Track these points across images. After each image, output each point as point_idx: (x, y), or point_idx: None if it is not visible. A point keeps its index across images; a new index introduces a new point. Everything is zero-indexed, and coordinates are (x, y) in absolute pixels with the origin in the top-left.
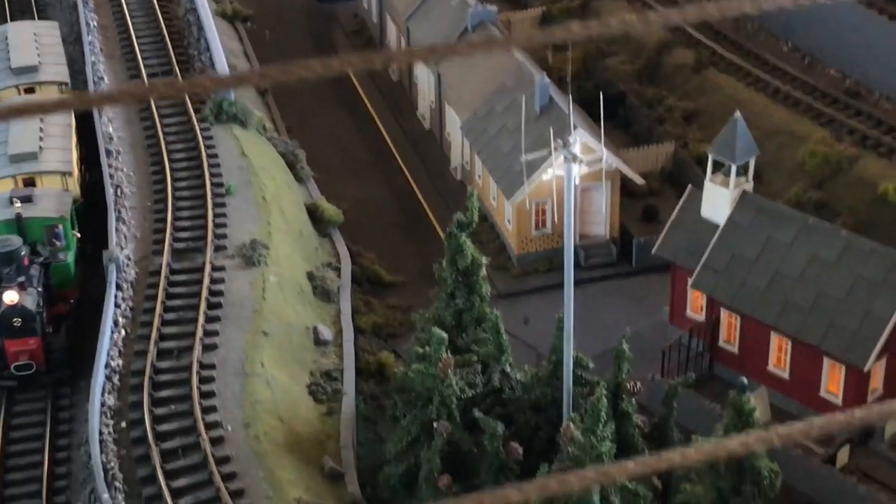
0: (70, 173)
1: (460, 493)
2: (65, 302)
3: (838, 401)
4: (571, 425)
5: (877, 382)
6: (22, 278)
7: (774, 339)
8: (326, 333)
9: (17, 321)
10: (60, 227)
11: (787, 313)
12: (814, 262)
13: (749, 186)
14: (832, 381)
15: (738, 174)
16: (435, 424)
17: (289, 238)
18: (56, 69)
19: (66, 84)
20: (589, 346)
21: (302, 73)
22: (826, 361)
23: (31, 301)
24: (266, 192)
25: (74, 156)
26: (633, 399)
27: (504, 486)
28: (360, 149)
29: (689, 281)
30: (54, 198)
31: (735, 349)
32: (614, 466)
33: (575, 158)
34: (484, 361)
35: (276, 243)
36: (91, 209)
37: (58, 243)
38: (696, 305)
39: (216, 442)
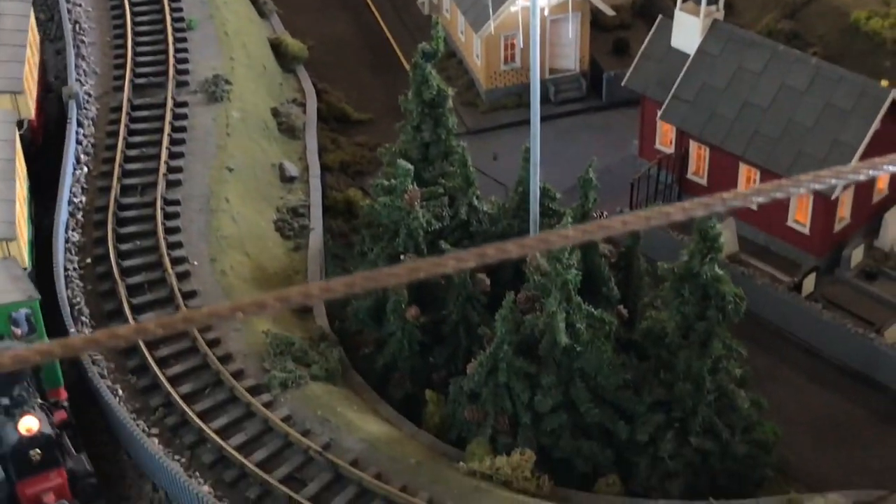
0: (12, 239)
1: (428, 325)
2: (57, 406)
3: (805, 230)
4: (537, 254)
5: (844, 211)
6: (22, 393)
7: (743, 170)
8: (292, 170)
9: (35, 454)
10: (29, 310)
11: (756, 143)
12: (783, 91)
13: (720, 16)
14: (800, 211)
15: (709, 3)
16: (402, 257)
17: (252, 73)
18: (7, 71)
19: (19, 93)
20: (558, 180)
21: None
22: None
23: (46, 422)
24: (228, 27)
25: (20, 208)
26: None
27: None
28: None
29: (659, 113)
30: (4, 272)
31: (703, 181)
32: (553, 233)
33: None
34: (451, 194)
35: (240, 79)
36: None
37: (26, 332)
38: (665, 138)
39: (182, 277)
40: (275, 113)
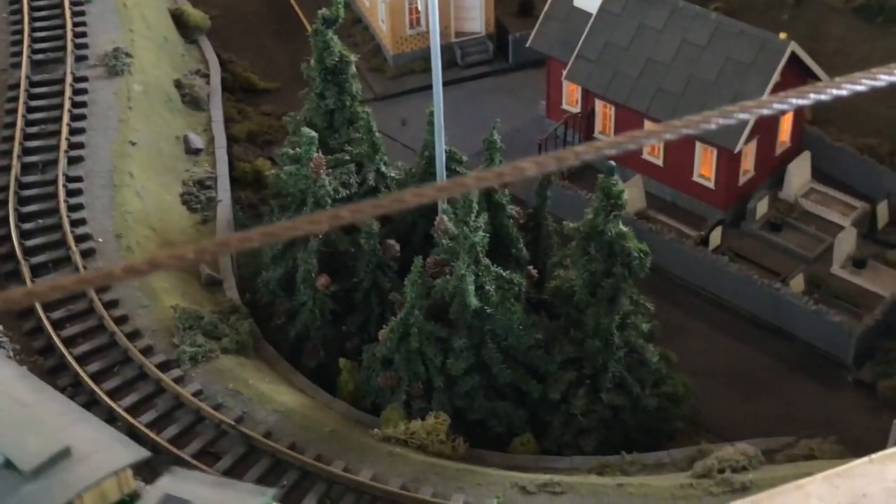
0: (122, 471)
1: (339, 293)
2: None
3: (710, 184)
4: (445, 218)
5: (748, 164)
6: None
7: (647, 127)
8: (197, 142)
9: None
10: None
11: (659, 100)
12: (685, 47)
13: None
14: (704, 165)
15: None
16: None
17: (153, 45)
18: None
19: None
20: (467, 143)
21: None
22: (698, 146)
23: None
24: None
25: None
26: (507, 190)
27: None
28: None
29: (564, 73)
30: (205, 485)
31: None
32: (409, 192)
33: None
34: (358, 161)
35: (140, 51)
36: None
37: None
38: (571, 98)
39: (87, 254)
40: (178, 85)
